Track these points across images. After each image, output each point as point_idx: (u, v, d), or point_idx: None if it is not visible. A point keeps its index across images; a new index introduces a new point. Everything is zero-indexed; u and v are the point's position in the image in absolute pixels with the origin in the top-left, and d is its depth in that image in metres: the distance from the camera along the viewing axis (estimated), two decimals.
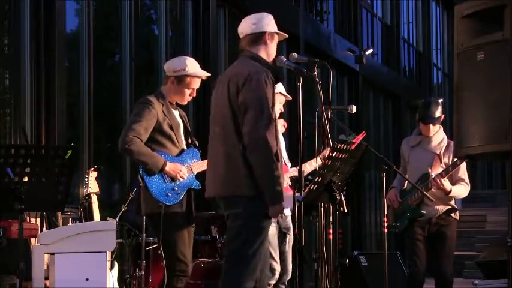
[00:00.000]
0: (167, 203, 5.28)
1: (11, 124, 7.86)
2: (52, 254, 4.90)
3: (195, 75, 5.43)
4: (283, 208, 4.50)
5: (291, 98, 5.96)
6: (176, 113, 5.51)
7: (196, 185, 5.49)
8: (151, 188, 5.27)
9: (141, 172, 5.29)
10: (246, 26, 4.75)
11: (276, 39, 4.78)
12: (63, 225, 6.20)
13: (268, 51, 4.73)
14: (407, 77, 20.79)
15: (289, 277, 5.96)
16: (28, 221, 6.06)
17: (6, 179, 4.23)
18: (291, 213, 5.81)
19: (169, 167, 5.29)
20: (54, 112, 7.91)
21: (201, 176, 5.42)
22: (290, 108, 12.38)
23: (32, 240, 5.67)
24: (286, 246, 5.90)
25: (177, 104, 5.55)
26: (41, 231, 5.89)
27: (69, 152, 4.39)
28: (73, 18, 9.01)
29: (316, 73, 4.68)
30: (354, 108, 6.31)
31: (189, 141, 5.57)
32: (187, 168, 5.42)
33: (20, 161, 4.27)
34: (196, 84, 5.48)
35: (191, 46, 10.58)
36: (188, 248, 5.38)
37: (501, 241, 10.08)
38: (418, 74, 21.83)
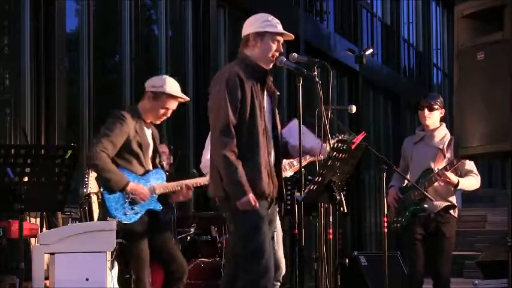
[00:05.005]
0: (123, 221, 5.26)
1: (11, 124, 7.86)
2: (52, 254, 4.89)
3: (172, 95, 5.41)
4: (250, 200, 4.49)
5: None
6: (149, 132, 5.47)
7: (156, 206, 5.44)
8: (109, 204, 5.23)
9: (101, 188, 5.28)
10: (243, 28, 4.77)
11: (269, 37, 4.72)
12: (63, 225, 6.21)
13: (258, 51, 4.70)
14: (407, 77, 20.79)
15: (283, 273, 5.93)
16: (28, 221, 6.06)
17: (6, 179, 4.23)
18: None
19: (131, 187, 5.23)
20: (54, 112, 7.91)
21: (163, 197, 5.45)
22: (290, 108, 12.37)
23: (32, 240, 5.67)
24: (275, 243, 5.89)
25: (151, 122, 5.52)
26: (41, 231, 5.89)
27: (69, 152, 4.39)
28: (73, 18, 9.00)
29: (316, 73, 4.67)
30: (354, 108, 6.31)
31: (156, 161, 5.53)
32: (149, 189, 5.37)
33: (20, 161, 4.27)
34: (172, 104, 5.43)
35: (191, 46, 10.56)
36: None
37: (501, 241, 10.08)
38: (418, 74, 21.83)
